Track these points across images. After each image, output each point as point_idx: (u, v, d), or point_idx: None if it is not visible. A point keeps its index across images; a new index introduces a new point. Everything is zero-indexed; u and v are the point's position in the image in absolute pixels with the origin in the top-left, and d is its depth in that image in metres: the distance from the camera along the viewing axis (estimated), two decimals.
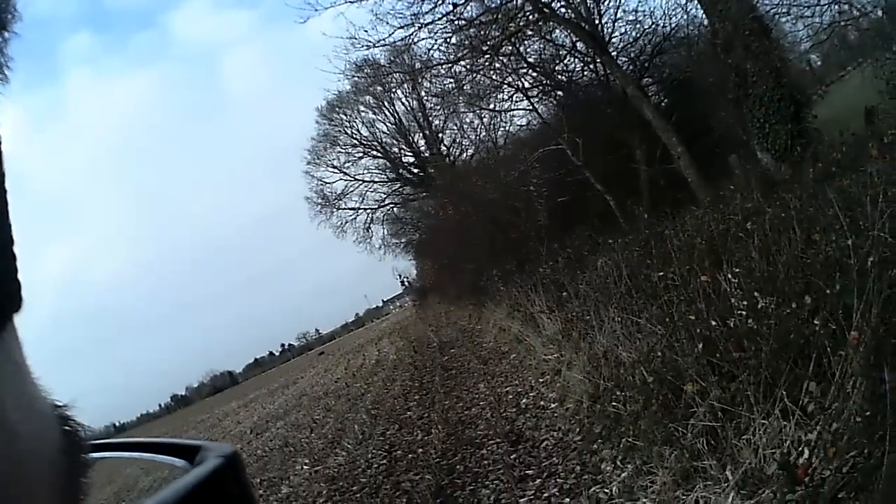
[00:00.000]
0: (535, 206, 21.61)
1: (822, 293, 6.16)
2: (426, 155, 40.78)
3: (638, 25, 21.62)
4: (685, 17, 20.44)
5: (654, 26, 21.62)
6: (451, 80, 22.39)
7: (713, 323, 7.03)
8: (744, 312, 6.81)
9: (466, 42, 19.41)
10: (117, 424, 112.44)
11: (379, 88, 34.90)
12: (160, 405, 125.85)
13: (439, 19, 17.94)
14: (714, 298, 7.86)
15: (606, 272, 13.27)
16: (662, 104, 22.33)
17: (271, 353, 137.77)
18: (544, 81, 23.18)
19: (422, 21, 17.83)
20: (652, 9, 22.02)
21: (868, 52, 14.56)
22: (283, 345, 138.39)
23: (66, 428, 0.61)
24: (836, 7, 13.61)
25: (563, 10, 19.41)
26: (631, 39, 21.95)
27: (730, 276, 7.93)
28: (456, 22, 18.30)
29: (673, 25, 21.58)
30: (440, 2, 17.61)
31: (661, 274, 10.11)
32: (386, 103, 40.50)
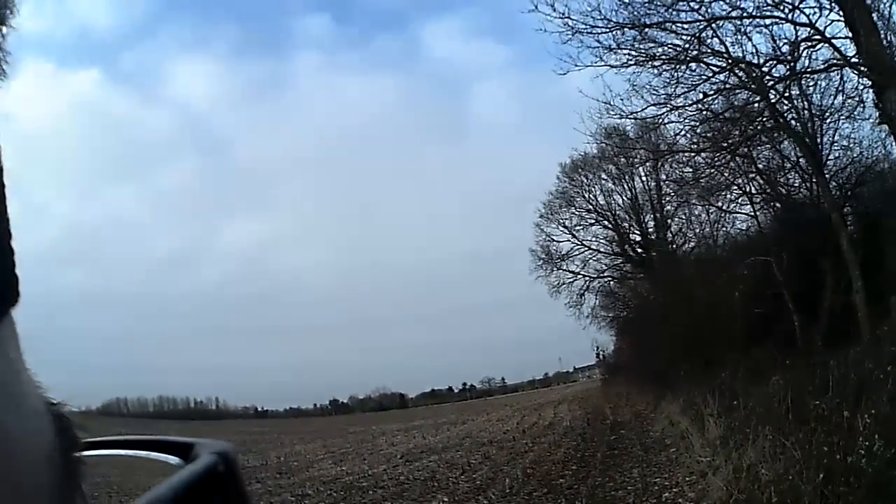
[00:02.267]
0: (734, 313, 21.48)
1: None
2: (652, 237, 39.72)
3: (849, 152, 21.08)
4: (883, 151, 19.82)
5: (861, 155, 21.09)
6: (690, 170, 22.50)
7: (837, 457, 7.13)
8: (862, 452, 6.88)
9: (709, 135, 19.40)
10: (259, 409, 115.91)
11: (623, 160, 34.46)
12: (315, 405, 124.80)
13: (690, 105, 17.92)
14: (847, 434, 7.90)
15: (775, 391, 13.27)
16: (857, 234, 21.40)
17: (450, 389, 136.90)
18: (767, 190, 23.06)
19: (673, 103, 17.81)
20: (861, 138, 21.21)
21: None
22: (464, 384, 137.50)
23: (60, 426, 0.63)
24: None
25: (794, 121, 19.24)
26: (842, 165, 21.34)
27: (866, 416, 7.93)
28: (704, 112, 18.32)
29: (874, 157, 20.93)
30: (692, 89, 17.61)
31: (817, 402, 10.19)
32: (626, 177, 39.64)
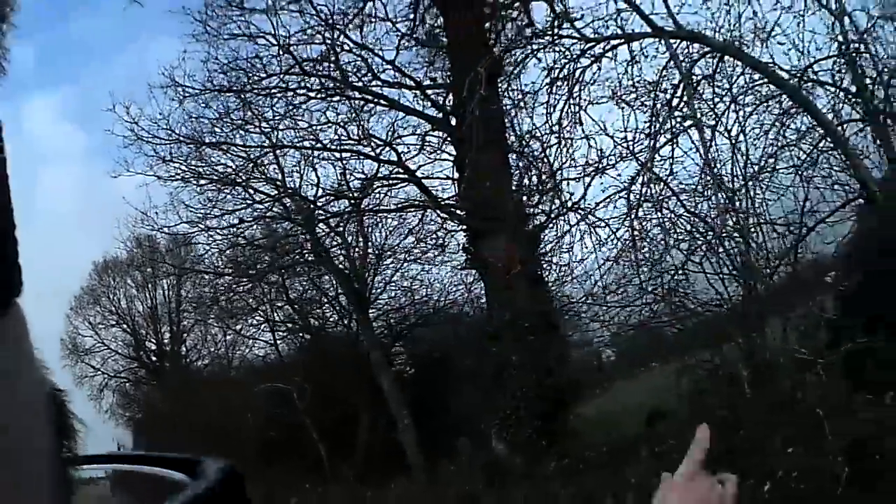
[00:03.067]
0: (248, 434, 21.45)
1: None
2: (167, 348, 39.60)
3: (411, 293, 21.46)
4: (466, 295, 19.59)
5: (425, 297, 21.41)
6: (211, 290, 21.97)
7: None
8: None
9: (238, 259, 19.21)
10: None
11: (150, 270, 34.48)
12: None
13: (223, 228, 17.75)
14: None
15: None
16: (408, 373, 22.28)
17: None
18: (296, 319, 23.03)
19: (207, 224, 17.57)
20: (432, 280, 21.90)
21: (681, 350, 12.92)
22: None
23: (60, 417, 0.60)
24: (646, 308, 12.87)
25: (341, 256, 19.50)
26: (397, 305, 21.76)
27: None
28: (236, 237, 18.15)
29: (447, 299, 21.00)
30: (230, 212, 17.46)
31: None
32: (150, 285, 39.13)
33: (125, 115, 16.46)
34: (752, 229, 10.89)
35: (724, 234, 10.96)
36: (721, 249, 11.04)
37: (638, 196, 12.20)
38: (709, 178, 11.22)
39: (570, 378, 15.50)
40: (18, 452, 0.51)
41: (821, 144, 11.26)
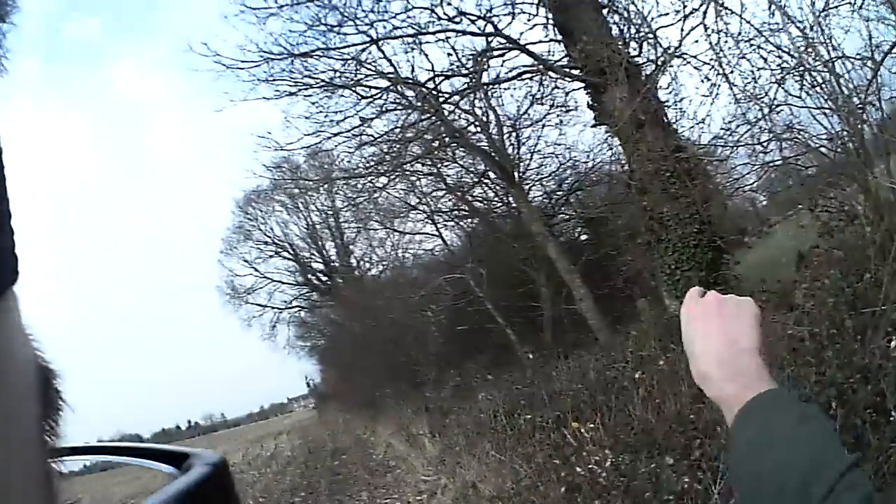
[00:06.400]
0: (433, 332, 21.42)
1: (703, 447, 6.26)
2: (335, 264, 39.56)
3: (558, 158, 20.73)
4: (610, 153, 18.31)
5: (572, 161, 20.72)
6: (366, 193, 21.31)
7: (578, 469, 7.00)
8: (595, 467, 6.80)
9: (378, 157, 18.29)
10: None
11: (296, 190, 32.82)
12: None
13: (346, 132, 16.93)
14: (577, 447, 7.84)
15: (487, 406, 13.23)
16: (576, 241, 21.76)
17: (178, 427, 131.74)
18: (460, 206, 22.37)
19: (329, 132, 16.82)
20: (574, 142, 21.49)
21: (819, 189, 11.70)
22: (188, 421, 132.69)
23: (47, 401, 0.58)
24: (786, 142, 11.93)
25: (479, 135, 18.87)
26: (548, 173, 21.13)
27: (591, 426, 8.03)
28: (360, 137, 17.27)
29: (595, 161, 20.15)
30: (352, 114, 16.63)
31: (529, 417, 10.18)
32: (301, 206, 39.22)
33: (206, 51, 15.43)
34: (833, 63, 10.36)
35: (815, 68, 10.45)
36: (816, 83, 10.56)
37: (722, 30, 11.73)
38: (779, 12, 10.72)
39: (726, 224, 15.13)
40: (7, 441, 0.51)
41: None
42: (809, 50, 10.24)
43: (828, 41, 10.19)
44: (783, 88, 11.08)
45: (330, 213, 36.57)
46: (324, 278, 40.45)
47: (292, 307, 41.91)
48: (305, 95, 16.29)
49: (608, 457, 6.92)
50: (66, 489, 0.60)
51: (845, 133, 9.95)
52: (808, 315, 7.45)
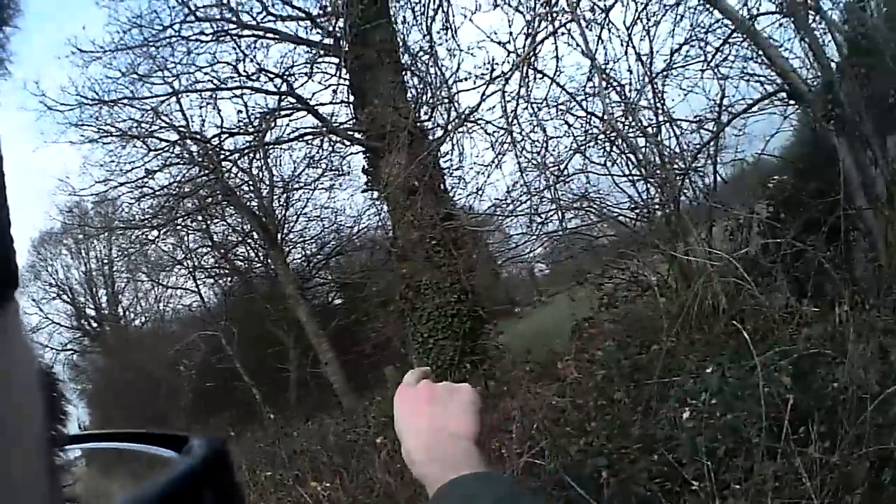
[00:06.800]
0: (184, 385, 21.34)
1: None
2: (105, 312, 38.77)
3: (323, 222, 21.42)
4: (377, 219, 18.91)
5: (337, 225, 21.41)
6: (138, 244, 21.49)
7: None
8: None
9: (155, 210, 18.54)
10: None
11: (80, 235, 32.75)
12: None
13: (132, 182, 17.46)
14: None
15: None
16: (329, 306, 22.02)
17: None
18: (222, 265, 22.75)
19: (118, 180, 17.31)
20: (342, 207, 21.97)
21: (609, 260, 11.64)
22: None
23: (51, 402, 0.56)
24: (578, 212, 11.75)
25: (251, 194, 19.48)
26: (311, 236, 21.74)
27: (327, 486, 7.99)
28: (143, 189, 17.83)
29: (361, 226, 20.92)
30: (138, 166, 17.17)
31: (270, 474, 10.03)
32: (83, 251, 38.07)
33: (34, 89, 15.93)
34: (659, 128, 10.25)
35: (629, 135, 10.25)
36: (628, 150, 10.37)
37: (523, 96, 11.19)
38: (599, 76, 10.50)
39: (498, 293, 15.05)
40: (12, 442, 0.49)
41: (732, 38, 10.44)
42: (626, 116, 10.09)
43: (658, 106, 10.14)
44: (585, 156, 10.98)
45: (106, 261, 36.83)
46: (94, 325, 39.88)
47: (67, 349, 40.20)
48: (104, 143, 16.89)
49: None
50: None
51: (656, 201, 9.86)
52: (574, 387, 7.35)
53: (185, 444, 0.77)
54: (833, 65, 8.94)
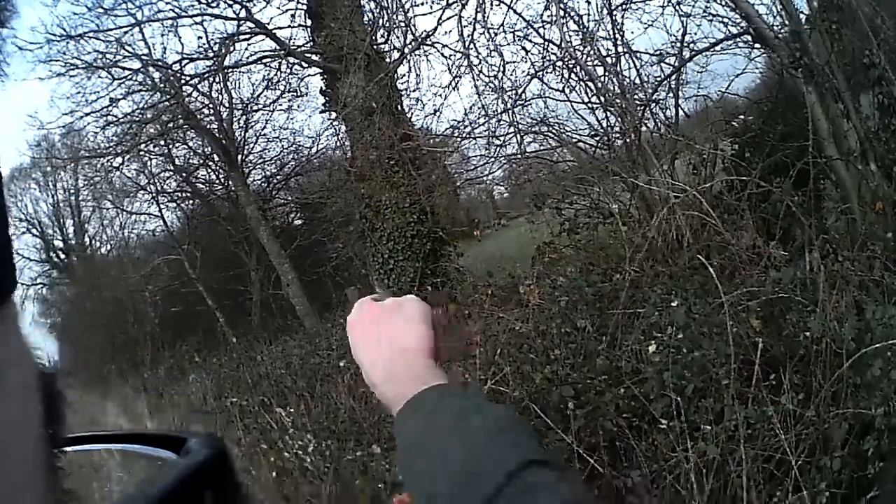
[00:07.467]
0: (149, 311, 21.55)
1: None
2: (73, 242, 38.37)
3: (282, 143, 21.31)
4: (335, 140, 18.55)
5: (296, 146, 21.29)
6: (103, 172, 21.65)
7: (286, 455, 7.09)
8: (300, 452, 6.92)
9: (122, 136, 18.62)
10: None
11: (49, 168, 33.10)
12: None
13: (97, 112, 17.29)
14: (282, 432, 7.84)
15: (197, 388, 13.42)
16: (290, 226, 22.04)
17: None
18: (184, 188, 22.49)
19: (83, 111, 17.20)
20: (301, 127, 22.61)
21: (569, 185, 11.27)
22: None
23: (49, 404, 0.58)
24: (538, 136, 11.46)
25: (211, 117, 19.11)
26: (270, 157, 21.63)
27: (291, 411, 8.07)
28: (107, 117, 17.67)
29: (319, 147, 20.72)
30: (103, 95, 17.06)
31: (235, 400, 10.01)
32: (50, 184, 38.11)
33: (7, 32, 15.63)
34: (618, 58, 10.01)
35: (587, 63, 10.02)
36: (586, 77, 10.15)
37: (480, 21, 10.99)
38: (556, 4, 10.22)
39: (458, 215, 14.93)
40: (10, 442, 0.50)
41: None
42: (584, 45, 9.86)
43: (618, 37, 9.88)
44: (543, 82, 10.71)
45: (72, 191, 36.51)
46: (62, 256, 39.72)
47: (37, 283, 40.35)
48: (71, 76, 16.93)
49: (311, 442, 7.02)
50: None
51: (616, 130, 9.70)
52: (537, 313, 7.21)
53: (182, 444, 0.78)
54: (802, 17, 8.69)
